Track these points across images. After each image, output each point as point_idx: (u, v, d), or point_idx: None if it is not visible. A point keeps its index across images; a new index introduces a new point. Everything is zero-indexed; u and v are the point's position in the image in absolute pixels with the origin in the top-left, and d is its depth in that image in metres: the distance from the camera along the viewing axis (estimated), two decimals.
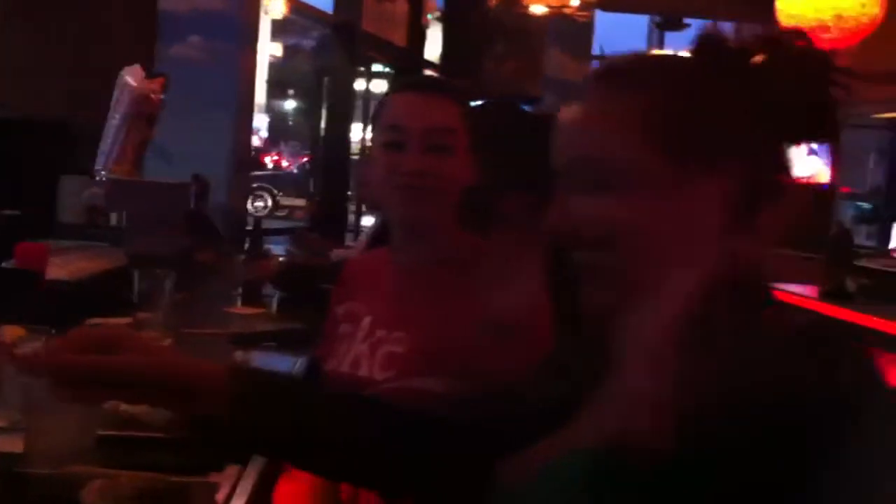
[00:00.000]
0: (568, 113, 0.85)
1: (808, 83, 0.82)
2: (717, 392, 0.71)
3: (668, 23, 13.29)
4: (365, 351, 1.44)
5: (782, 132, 0.83)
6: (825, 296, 4.65)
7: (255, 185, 14.22)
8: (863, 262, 5.14)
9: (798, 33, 0.84)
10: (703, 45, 0.85)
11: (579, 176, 0.83)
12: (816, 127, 0.84)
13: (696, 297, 0.77)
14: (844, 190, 14.04)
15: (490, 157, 1.50)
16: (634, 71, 0.85)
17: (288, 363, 2.08)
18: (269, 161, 19.65)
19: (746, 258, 0.81)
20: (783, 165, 0.84)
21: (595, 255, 0.83)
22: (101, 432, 1.41)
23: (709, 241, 0.80)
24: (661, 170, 0.80)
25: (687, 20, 12.82)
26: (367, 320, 1.48)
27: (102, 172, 3.33)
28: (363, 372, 1.42)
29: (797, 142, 0.85)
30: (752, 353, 0.74)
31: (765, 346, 0.75)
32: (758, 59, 0.83)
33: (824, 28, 6.11)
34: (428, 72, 10.97)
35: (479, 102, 1.82)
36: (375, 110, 1.56)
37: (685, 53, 0.86)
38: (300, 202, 13.72)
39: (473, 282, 1.37)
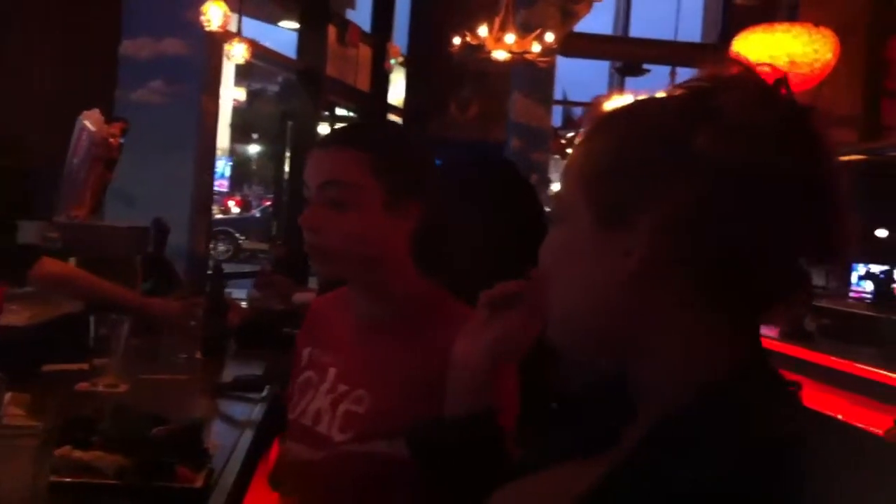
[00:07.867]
0: None
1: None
2: None
3: (628, 68, 13.50)
4: (327, 406, 1.41)
5: None
6: (785, 336, 4.70)
7: (217, 229, 14.16)
8: (822, 302, 5.18)
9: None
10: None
11: None
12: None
13: None
14: None
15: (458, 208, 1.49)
16: None
17: (245, 411, 2.07)
18: (232, 205, 19.64)
19: None
20: None
21: None
22: (53, 479, 1.38)
23: None
24: None
25: (647, 66, 13.04)
26: (331, 372, 1.45)
27: (61, 216, 3.30)
28: (322, 428, 1.39)
29: None
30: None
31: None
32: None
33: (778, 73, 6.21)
34: (392, 116, 11.05)
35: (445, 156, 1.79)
36: None
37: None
38: (262, 246, 13.67)
39: (433, 334, 1.33)
